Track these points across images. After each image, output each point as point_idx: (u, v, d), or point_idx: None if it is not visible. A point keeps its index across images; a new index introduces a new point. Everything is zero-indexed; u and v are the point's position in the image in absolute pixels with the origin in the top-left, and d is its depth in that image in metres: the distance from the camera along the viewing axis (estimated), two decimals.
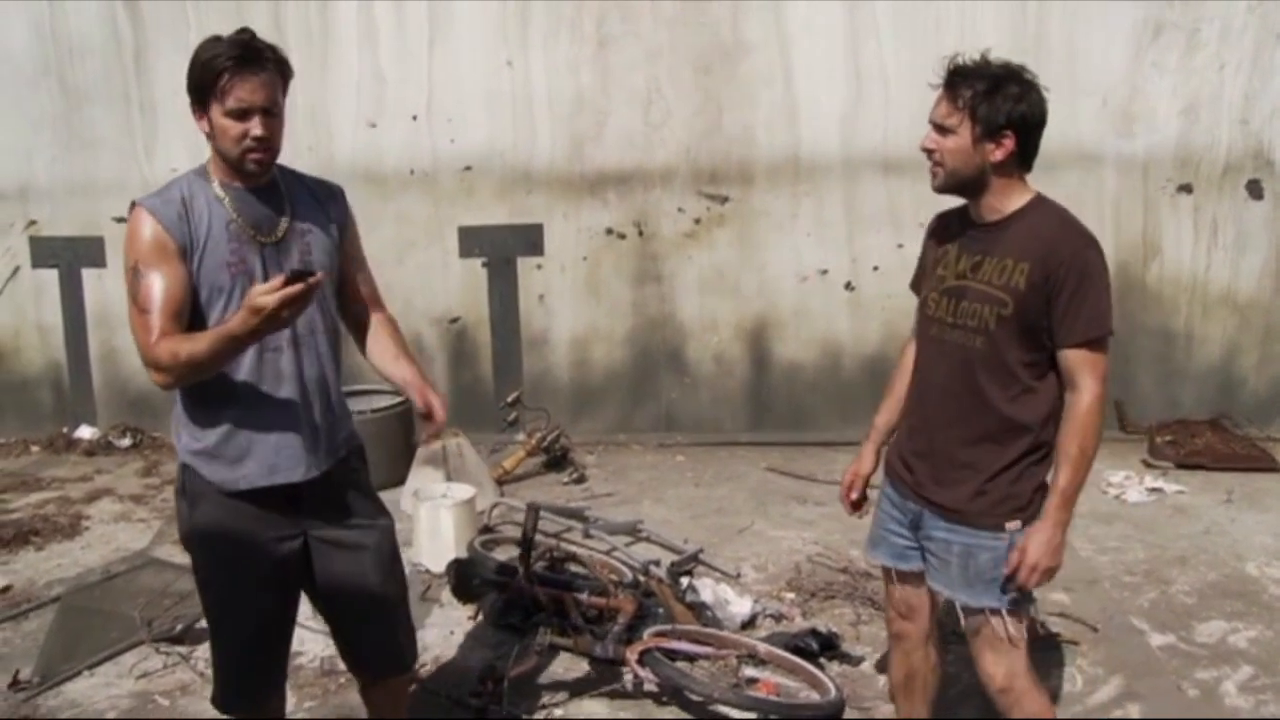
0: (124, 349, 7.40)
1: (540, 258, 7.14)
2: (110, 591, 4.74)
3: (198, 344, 2.71)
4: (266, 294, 2.56)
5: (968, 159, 2.87)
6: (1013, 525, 2.91)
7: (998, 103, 2.81)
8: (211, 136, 2.84)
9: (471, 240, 7.12)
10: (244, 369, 2.88)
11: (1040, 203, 2.93)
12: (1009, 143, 2.84)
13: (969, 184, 2.92)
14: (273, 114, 2.83)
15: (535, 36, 6.86)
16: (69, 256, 7.34)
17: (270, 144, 2.85)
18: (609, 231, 7.08)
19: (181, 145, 6.97)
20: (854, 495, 3.38)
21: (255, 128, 2.79)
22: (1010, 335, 2.87)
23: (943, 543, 3.02)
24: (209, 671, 4.21)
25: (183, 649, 4.39)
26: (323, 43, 6.92)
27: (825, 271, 7.00)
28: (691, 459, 6.88)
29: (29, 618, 4.81)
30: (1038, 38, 6.51)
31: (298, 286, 2.56)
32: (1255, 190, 6.78)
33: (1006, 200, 2.92)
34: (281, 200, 2.96)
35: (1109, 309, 2.84)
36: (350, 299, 3.17)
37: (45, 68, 7.12)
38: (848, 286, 7.01)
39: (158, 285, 2.80)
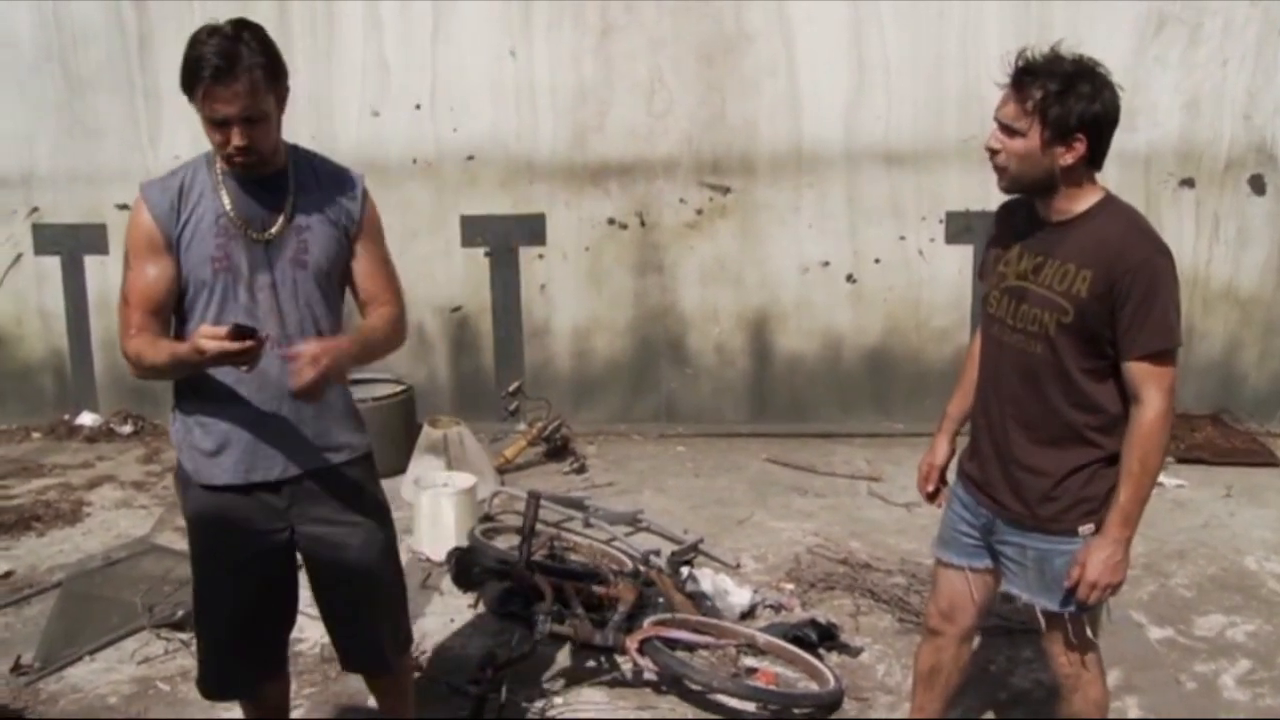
0: None
1: (542, 247, 7.14)
2: (111, 577, 4.74)
3: (158, 355, 2.79)
4: (208, 339, 2.60)
5: (1035, 162, 2.72)
6: (1086, 529, 2.83)
7: (1070, 104, 2.65)
8: None
9: (474, 229, 7.11)
10: (227, 368, 2.80)
11: (1108, 203, 2.78)
12: (1080, 146, 2.69)
13: (1035, 186, 2.78)
14: (254, 120, 2.71)
15: (539, 26, 6.85)
16: (71, 243, 7.34)
17: (253, 149, 2.75)
18: (611, 221, 7.08)
19: (186, 133, 6.95)
20: (930, 486, 3.30)
21: (235, 138, 2.71)
22: (1071, 343, 2.75)
23: (1017, 548, 2.95)
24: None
25: (184, 635, 4.40)
26: (327, 30, 6.91)
27: (827, 263, 7.00)
28: (692, 449, 6.88)
29: (30, 603, 4.83)
30: (1041, 30, 6.47)
31: (235, 344, 2.58)
32: (1258, 185, 6.78)
33: (1074, 201, 2.78)
34: (285, 193, 2.88)
35: (1177, 320, 2.70)
36: (361, 299, 3.04)
37: (48, 54, 7.11)
38: (849, 279, 7.01)
39: (140, 279, 2.84)
